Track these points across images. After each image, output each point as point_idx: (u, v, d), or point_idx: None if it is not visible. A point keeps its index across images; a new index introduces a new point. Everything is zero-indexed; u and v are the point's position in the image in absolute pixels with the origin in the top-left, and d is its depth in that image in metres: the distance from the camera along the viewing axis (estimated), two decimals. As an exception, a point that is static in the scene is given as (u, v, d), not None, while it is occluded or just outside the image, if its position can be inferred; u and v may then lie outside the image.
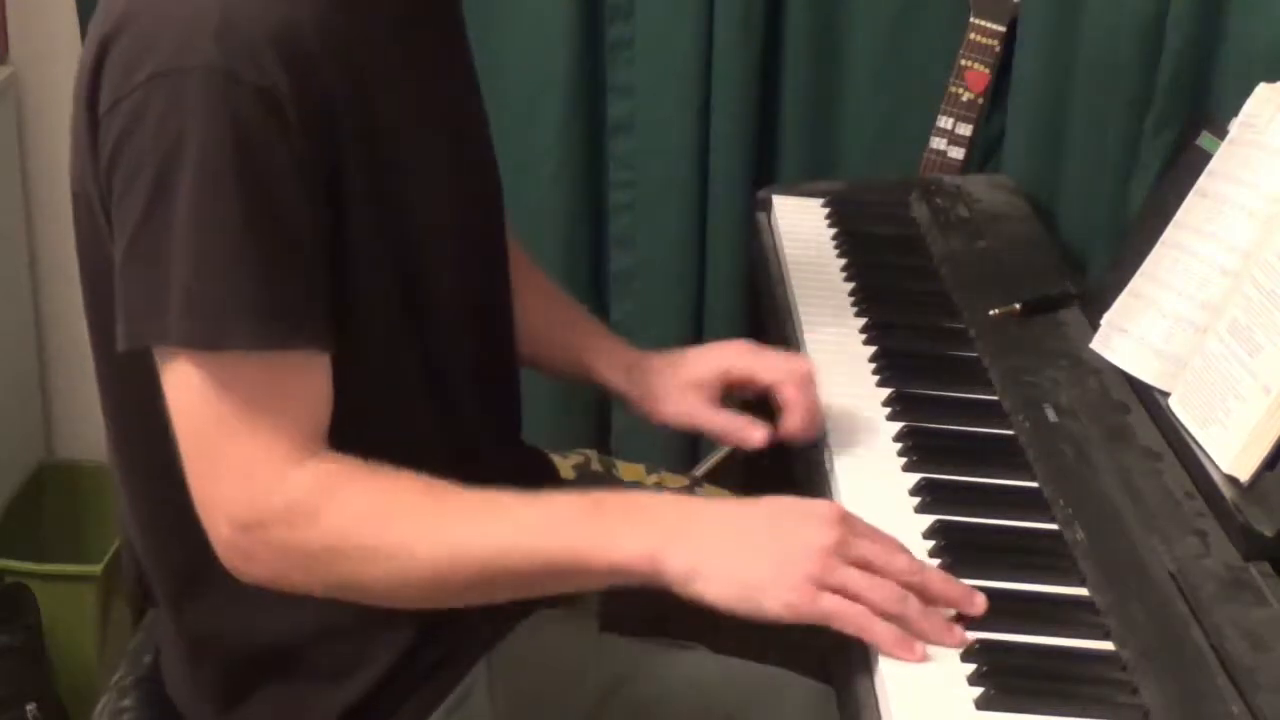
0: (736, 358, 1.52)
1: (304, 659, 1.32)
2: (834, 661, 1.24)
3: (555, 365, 1.62)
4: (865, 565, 1.19)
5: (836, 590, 1.17)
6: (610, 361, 1.58)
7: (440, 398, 1.34)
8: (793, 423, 1.46)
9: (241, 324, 1.17)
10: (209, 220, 1.16)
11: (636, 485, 1.67)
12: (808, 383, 1.48)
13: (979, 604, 1.21)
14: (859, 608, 1.17)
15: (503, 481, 1.24)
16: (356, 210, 1.24)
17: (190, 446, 1.20)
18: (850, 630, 1.17)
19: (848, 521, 1.21)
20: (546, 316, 1.60)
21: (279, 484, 1.19)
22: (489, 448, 1.41)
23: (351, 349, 1.24)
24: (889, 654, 1.17)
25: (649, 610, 1.47)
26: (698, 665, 1.47)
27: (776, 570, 1.17)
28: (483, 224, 1.44)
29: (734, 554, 1.18)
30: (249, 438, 1.19)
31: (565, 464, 1.65)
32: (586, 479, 1.66)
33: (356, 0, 1.25)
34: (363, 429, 1.24)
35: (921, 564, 1.22)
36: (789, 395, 1.47)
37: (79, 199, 1.27)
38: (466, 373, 1.38)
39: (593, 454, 1.70)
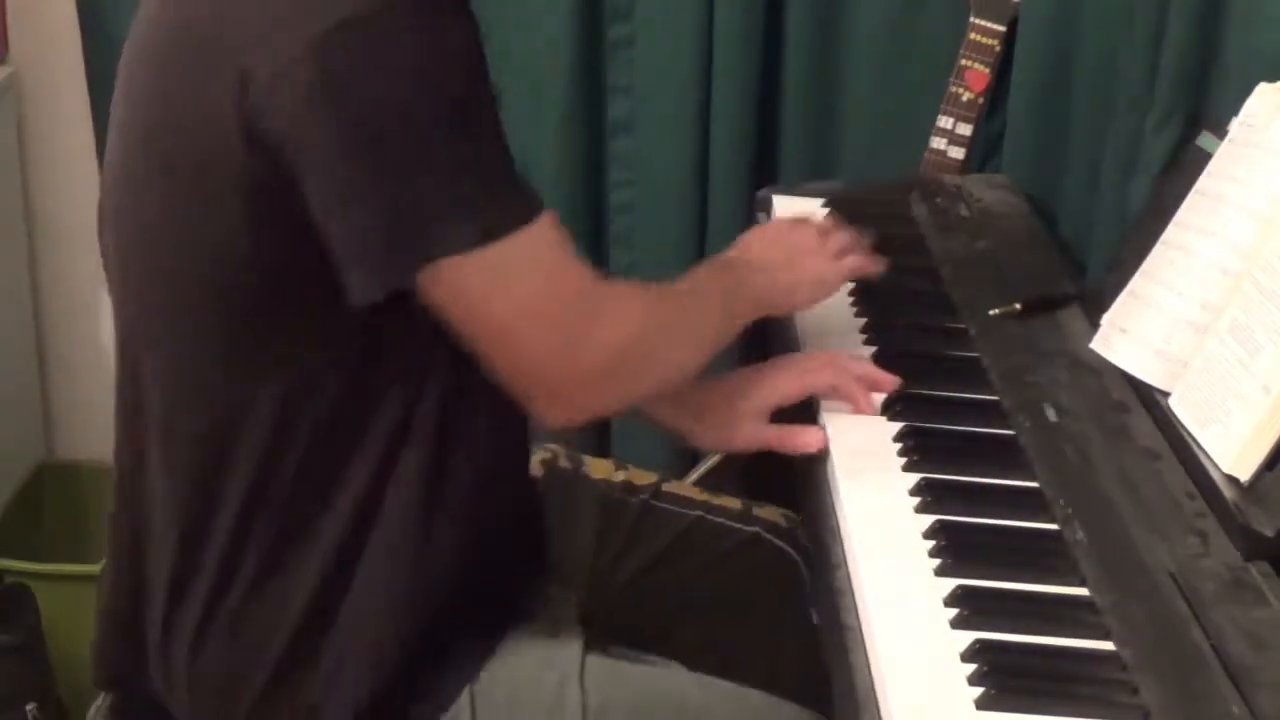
0: (787, 384, 1.55)
1: (283, 689, 1.33)
2: (834, 662, 1.24)
3: None
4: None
5: (844, 253, 1.60)
6: None
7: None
8: (866, 406, 1.52)
9: (514, 203, 1.26)
10: (448, 129, 1.21)
11: (604, 481, 1.68)
12: (849, 369, 1.54)
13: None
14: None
15: None
16: None
17: (510, 319, 1.28)
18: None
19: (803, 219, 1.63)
20: None
21: (601, 294, 1.34)
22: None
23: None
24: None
25: (633, 632, 1.51)
26: (680, 686, 1.46)
27: (807, 261, 1.57)
28: None
29: (786, 267, 1.56)
30: (564, 273, 1.31)
31: (534, 459, 1.66)
32: (555, 475, 1.68)
33: None
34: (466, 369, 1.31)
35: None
36: (846, 395, 1.52)
37: (199, 170, 1.24)
38: None
39: (559, 449, 1.71)
